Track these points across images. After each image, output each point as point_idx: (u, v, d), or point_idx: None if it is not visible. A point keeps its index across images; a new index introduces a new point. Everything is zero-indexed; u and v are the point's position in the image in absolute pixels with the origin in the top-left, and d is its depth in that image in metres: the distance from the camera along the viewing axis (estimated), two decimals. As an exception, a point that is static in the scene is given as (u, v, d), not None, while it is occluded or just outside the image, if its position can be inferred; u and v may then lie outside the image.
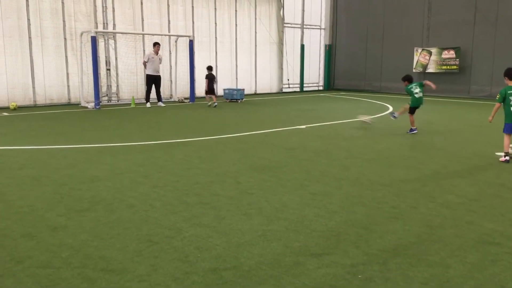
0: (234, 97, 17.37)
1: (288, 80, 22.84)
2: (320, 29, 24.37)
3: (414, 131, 9.88)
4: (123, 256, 3.58)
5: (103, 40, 16.16)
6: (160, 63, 15.62)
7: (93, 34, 14.39)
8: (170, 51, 17.84)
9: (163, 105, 15.68)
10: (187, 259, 3.52)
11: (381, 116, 13.03)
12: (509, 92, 7.15)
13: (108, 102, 16.39)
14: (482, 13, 18.58)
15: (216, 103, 15.08)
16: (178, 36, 17.43)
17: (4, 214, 4.55)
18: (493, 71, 18.59)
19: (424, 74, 20.65)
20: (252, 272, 3.31)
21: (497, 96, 7.34)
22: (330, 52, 24.37)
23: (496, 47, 18.42)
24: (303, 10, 23.23)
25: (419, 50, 20.40)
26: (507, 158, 7.14)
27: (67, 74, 15.56)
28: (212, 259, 3.52)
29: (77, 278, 3.21)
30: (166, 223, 4.31)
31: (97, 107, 14.51)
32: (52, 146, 8.26)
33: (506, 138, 7.26)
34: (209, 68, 15.51)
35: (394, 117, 10.77)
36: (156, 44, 15.44)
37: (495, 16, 18.31)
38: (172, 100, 17.61)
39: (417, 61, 20.51)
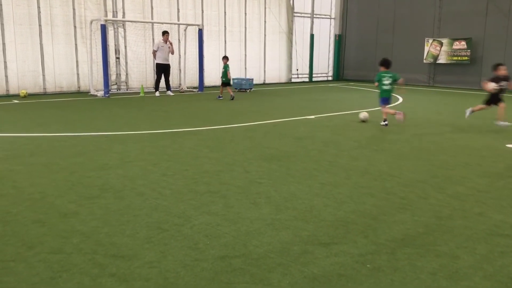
0: (243, 86, 17.34)
1: (297, 70, 22.75)
2: (330, 18, 24.19)
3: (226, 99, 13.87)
4: (133, 242, 3.62)
5: (112, 29, 16.17)
6: (171, 52, 15.59)
7: (102, 22, 14.40)
8: (179, 40, 17.82)
9: (172, 94, 15.70)
10: (196, 247, 3.54)
11: (390, 107, 12.95)
12: (382, 76, 9.53)
13: (117, 90, 16.43)
14: (495, 4, 18.33)
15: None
16: (187, 24, 17.39)
17: (15, 200, 4.60)
18: (504, 63, 18.31)
19: (435, 65, 20.50)
20: (260, 260, 3.33)
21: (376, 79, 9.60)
22: (340, 42, 24.21)
23: (508, 38, 18.20)
24: None
25: (430, 41, 20.21)
26: (386, 123, 9.49)
27: (77, 62, 15.60)
28: (221, 247, 3.54)
29: (88, 264, 3.25)
30: (176, 211, 4.34)
31: (107, 95, 14.56)
32: (62, 133, 8.32)
33: (383, 108, 9.66)
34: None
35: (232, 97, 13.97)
36: (165, 33, 15.45)
37: (508, 7, 18.07)
38: (177, 90, 17.61)
39: (428, 52, 20.33)
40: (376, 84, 9.62)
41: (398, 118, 9.27)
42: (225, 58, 14.83)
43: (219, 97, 14.49)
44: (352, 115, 11.11)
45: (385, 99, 9.68)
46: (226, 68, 14.56)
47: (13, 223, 4.00)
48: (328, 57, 24.49)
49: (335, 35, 24.24)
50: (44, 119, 10.09)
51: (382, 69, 9.76)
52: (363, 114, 10.19)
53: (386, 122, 9.46)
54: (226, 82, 14.62)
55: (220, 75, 14.92)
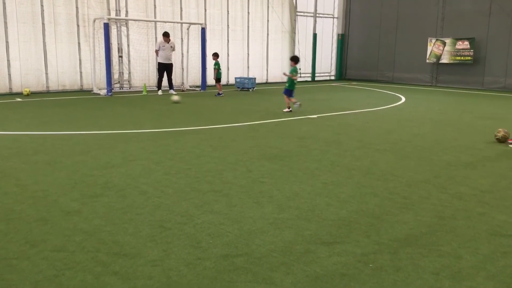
0: (246, 86, 17.33)
1: (299, 69, 22.68)
2: (333, 18, 24.17)
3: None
4: (136, 241, 3.62)
5: (115, 27, 16.18)
6: (173, 50, 15.58)
7: (105, 21, 14.41)
8: (182, 38, 17.82)
9: (174, 93, 15.69)
10: (199, 245, 3.55)
11: (393, 106, 12.95)
12: (295, 70, 11.05)
13: (120, 89, 16.45)
14: (498, 4, 18.29)
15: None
16: (190, 23, 17.39)
17: (19, 198, 4.62)
18: (507, 63, 18.36)
19: (438, 65, 20.47)
20: (263, 259, 3.33)
21: (292, 72, 11.17)
22: (342, 42, 24.19)
23: (511, 39, 18.15)
24: (316, -1, 23.06)
25: (433, 41, 20.17)
26: (290, 110, 11.12)
27: (80, 60, 15.63)
28: (224, 246, 3.55)
29: (91, 262, 3.26)
30: (178, 209, 4.35)
31: (109, 94, 14.58)
32: (65, 132, 8.34)
33: (286, 98, 11.24)
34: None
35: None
36: (165, 35, 15.26)
37: (511, 7, 18.01)
38: (179, 88, 17.60)
39: (431, 52, 20.29)
40: (295, 77, 11.25)
41: (296, 106, 11.12)
42: (215, 55, 15.53)
43: (219, 94, 15.04)
44: (354, 114, 11.10)
45: (292, 91, 11.29)
46: (217, 65, 15.44)
47: (16, 221, 4.01)
48: (331, 57, 24.45)
49: (338, 35, 24.21)
50: (47, 117, 10.11)
51: (293, 64, 11.35)
52: (175, 97, 12.70)
53: (290, 109, 11.17)
54: (218, 77, 15.55)
55: (217, 73, 15.62)
